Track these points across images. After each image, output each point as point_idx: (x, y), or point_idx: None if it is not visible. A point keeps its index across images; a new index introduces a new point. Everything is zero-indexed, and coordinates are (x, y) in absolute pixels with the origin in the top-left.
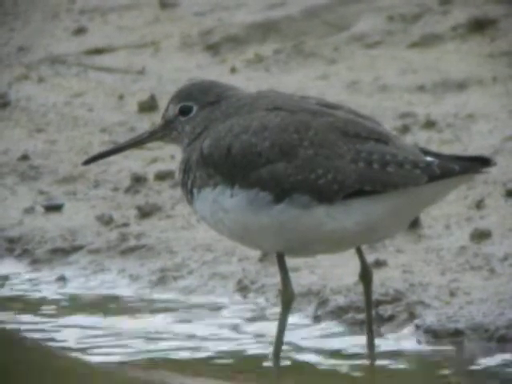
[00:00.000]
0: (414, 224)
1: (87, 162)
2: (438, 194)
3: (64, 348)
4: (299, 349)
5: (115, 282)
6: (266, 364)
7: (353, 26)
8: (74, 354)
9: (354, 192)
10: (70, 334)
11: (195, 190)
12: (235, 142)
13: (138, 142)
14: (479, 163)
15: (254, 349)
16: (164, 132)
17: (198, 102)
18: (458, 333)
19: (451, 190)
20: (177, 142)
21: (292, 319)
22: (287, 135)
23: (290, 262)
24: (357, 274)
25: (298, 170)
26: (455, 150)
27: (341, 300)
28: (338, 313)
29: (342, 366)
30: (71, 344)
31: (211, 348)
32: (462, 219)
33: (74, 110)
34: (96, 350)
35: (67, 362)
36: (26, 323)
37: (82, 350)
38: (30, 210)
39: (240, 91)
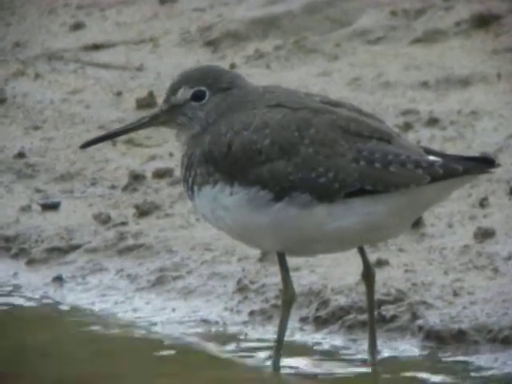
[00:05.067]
0: (417, 223)
1: (86, 146)
2: (440, 194)
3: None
4: (300, 349)
5: (113, 281)
6: (266, 364)
7: (355, 21)
8: None
9: (355, 191)
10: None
11: (195, 188)
12: (236, 138)
13: (138, 126)
14: (483, 163)
15: (254, 349)
16: (168, 116)
17: (211, 87)
18: (461, 333)
19: (454, 191)
20: (182, 128)
21: (292, 320)
22: (288, 133)
23: (291, 261)
24: (358, 274)
25: (298, 169)
26: (458, 147)
27: (342, 300)
28: (340, 313)
29: (344, 367)
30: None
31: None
32: (466, 218)
33: (71, 107)
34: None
35: None
36: (22, 323)
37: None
38: (26, 209)
39: (247, 81)
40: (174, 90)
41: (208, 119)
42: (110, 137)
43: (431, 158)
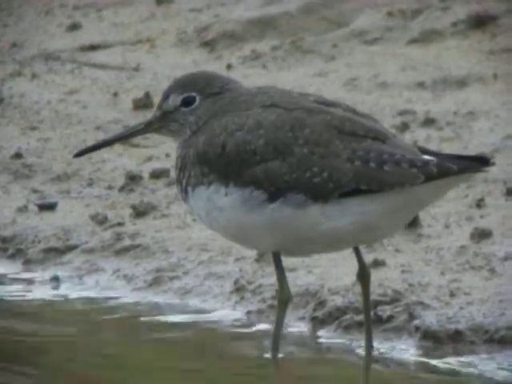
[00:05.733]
0: (413, 223)
1: (79, 154)
2: (435, 193)
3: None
4: (296, 350)
5: (110, 282)
6: (263, 365)
7: (352, 22)
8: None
9: (349, 191)
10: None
11: (189, 189)
12: (230, 139)
13: (132, 134)
14: (478, 162)
15: (251, 351)
16: (161, 123)
17: (201, 92)
18: (458, 334)
19: (449, 190)
20: (175, 134)
21: (289, 320)
22: (282, 133)
23: (287, 261)
24: (355, 274)
25: (292, 169)
26: (455, 148)
27: (339, 301)
28: (336, 314)
29: (340, 368)
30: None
31: (207, 349)
32: (462, 218)
33: (67, 108)
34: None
35: None
36: (18, 324)
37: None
38: (23, 209)
39: (240, 85)
40: (165, 96)
41: (199, 123)
42: (105, 145)
43: (426, 157)
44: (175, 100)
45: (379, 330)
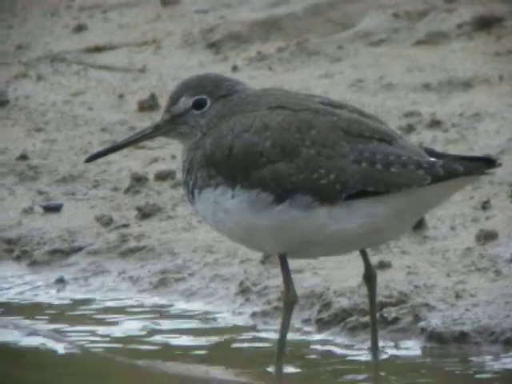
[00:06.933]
0: (419, 225)
1: (90, 160)
2: (442, 195)
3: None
4: (302, 352)
5: (115, 283)
6: (268, 367)
7: (357, 23)
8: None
9: (356, 193)
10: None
11: (196, 191)
12: (237, 141)
13: (141, 138)
14: (484, 164)
15: (256, 351)
16: (170, 126)
17: (212, 94)
18: (463, 335)
19: (455, 191)
20: (184, 137)
21: (294, 322)
22: (289, 134)
23: (293, 263)
24: (361, 276)
25: (299, 170)
26: (460, 149)
27: (344, 302)
28: (342, 315)
29: (346, 369)
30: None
31: (212, 350)
32: (468, 220)
33: (73, 109)
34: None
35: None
36: (24, 326)
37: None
38: (28, 211)
39: (247, 86)
40: (174, 99)
41: (209, 126)
42: (115, 150)
43: (432, 158)
44: (186, 103)
45: (385, 331)
